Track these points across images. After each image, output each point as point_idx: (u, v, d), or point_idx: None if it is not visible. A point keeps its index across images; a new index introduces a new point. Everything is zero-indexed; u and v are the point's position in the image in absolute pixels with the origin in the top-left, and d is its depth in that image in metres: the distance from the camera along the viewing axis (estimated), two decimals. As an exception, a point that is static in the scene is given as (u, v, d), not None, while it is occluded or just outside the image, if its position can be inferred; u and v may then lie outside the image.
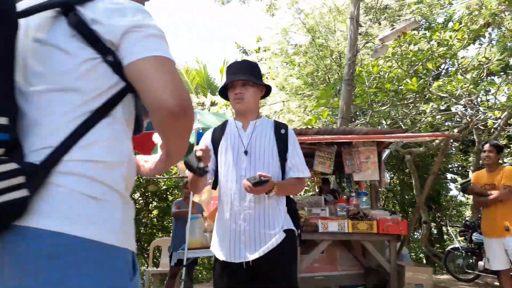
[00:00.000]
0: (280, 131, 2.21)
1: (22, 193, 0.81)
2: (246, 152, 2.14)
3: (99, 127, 0.92)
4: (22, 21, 0.94)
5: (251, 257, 2.03)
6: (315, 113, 9.37)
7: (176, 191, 9.61)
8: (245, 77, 2.16)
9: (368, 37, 9.77)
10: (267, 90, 2.32)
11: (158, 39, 0.96)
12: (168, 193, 9.95)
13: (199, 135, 4.58)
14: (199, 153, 1.78)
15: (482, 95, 8.24)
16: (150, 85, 0.91)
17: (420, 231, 11.84)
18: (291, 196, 2.33)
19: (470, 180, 4.70)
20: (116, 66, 0.95)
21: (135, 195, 9.94)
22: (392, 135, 4.93)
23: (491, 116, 7.89)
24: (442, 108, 9.25)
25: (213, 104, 11.40)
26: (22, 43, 0.95)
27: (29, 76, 0.93)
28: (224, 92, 2.31)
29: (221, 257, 2.12)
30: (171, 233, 6.19)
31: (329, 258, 5.11)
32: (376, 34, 10.67)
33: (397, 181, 13.61)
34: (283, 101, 10.73)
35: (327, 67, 11.17)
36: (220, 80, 13.74)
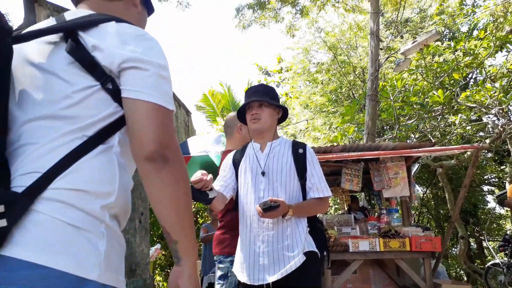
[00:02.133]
0: (298, 151, 2.21)
1: (1, 223, 0.78)
2: (263, 173, 2.16)
3: (90, 156, 0.90)
4: (22, 47, 0.94)
5: (271, 279, 2.02)
6: (341, 129, 9.32)
7: (206, 213, 9.68)
8: (260, 98, 2.22)
9: (390, 51, 9.72)
10: (284, 114, 2.36)
11: (159, 80, 0.94)
12: (198, 215, 10.04)
13: (226, 157, 4.65)
14: (193, 179, 1.83)
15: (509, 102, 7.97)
16: (137, 130, 0.90)
17: (458, 246, 11.37)
18: (318, 216, 2.31)
19: (506, 192, 4.52)
20: (116, 94, 0.94)
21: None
22: (420, 149, 4.84)
23: (525, 124, 7.61)
24: (472, 118, 9.02)
25: (239, 126, 11.52)
26: (21, 68, 0.95)
27: (25, 102, 0.92)
28: (242, 116, 2.36)
29: (242, 278, 2.13)
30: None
31: (362, 277, 4.99)
32: (398, 48, 10.62)
33: (431, 196, 13.20)
34: (307, 120, 10.73)
35: (351, 83, 11.16)
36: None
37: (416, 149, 4.84)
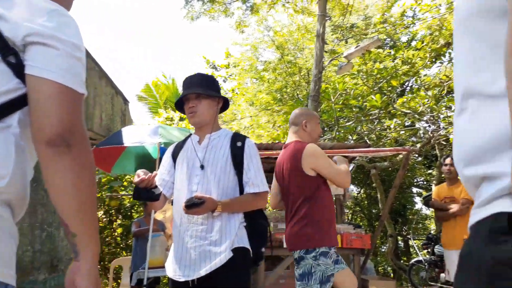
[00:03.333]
0: (236, 144, 2.13)
1: None
2: (202, 167, 2.08)
3: None
4: None
5: (195, 275, 1.96)
6: (284, 128, 9.45)
7: (141, 208, 9.38)
8: (198, 90, 2.12)
9: (335, 54, 10.02)
10: (225, 103, 2.28)
11: (71, 60, 0.87)
12: (133, 210, 9.69)
13: (162, 150, 4.51)
14: (136, 180, 1.86)
15: (443, 111, 8.56)
16: (38, 110, 0.83)
17: (386, 244, 12.02)
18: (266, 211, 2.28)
19: (431, 194, 4.81)
20: (20, 69, 0.86)
21: (99, 212, 9.61)
22: (356, 149, 5.02)
23: (452, 132, 8.21)
24: (407, 124, 9.56)
25: (182, 119, 11.30)
26: None
27: None
28: (181, 108, 2.26)
29: (170, 274, 2.07)
30: (133, 252, 6.01)
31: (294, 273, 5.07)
32: (342, 52, 10.98)
33: (364, 195, 13.84)
34: (251, 116, 10.77)
35: (296, 83, 11.35)
36: (190, 95, 13.72)
37: (352, 149, 5.01)
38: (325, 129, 9.25)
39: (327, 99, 7.82)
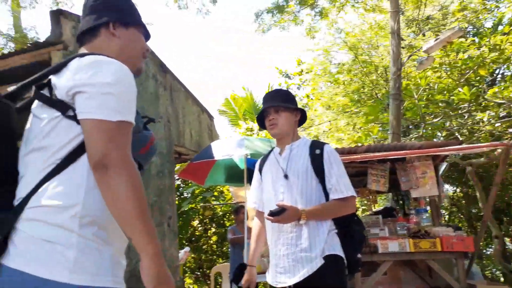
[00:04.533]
0: (315, 151, 2.17)
1: None
2: (286, 176, 2.16)
3: (60, 176, 1.04)
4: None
5: (290, 282, 2.03)
6: (365, 130, 9.21)
7: (232, 216, 9.76)
8: (276, 103, 2.24)
9: (412, 49, 9.56)
10: (303, 115, 2.36)
11: (100, 96, 1.04)
12: (225, 218, 10.12)
13: (249, 161, 4.70)
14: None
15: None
16: (87, 145, 1.03)
17: (492, 246, 11.02)
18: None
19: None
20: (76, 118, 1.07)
21: (194, 222, 10.21)
22: (447, 147, 4.74)
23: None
24: (502, 115, 8.76)
25: (261, 129, 11.58)
26: (30, 117, 1.17)
27: (25, 143, 1.13)
28: (262, 123, 2.39)
29: (269, 280, 2.18)
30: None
31: (393, 279, 4.91)
32: (421, 46, 10.43)
33: (461, 194, 12.84)
34: (330, 121, 10.66)
35: (373, 82, 11.02)
36: (266, 105, 14.01)
37: (443, 148, 4.75)
38: (410, 127, 8.83)
39: (410, 96, 7.47)
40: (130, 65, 1.21)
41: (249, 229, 5.26)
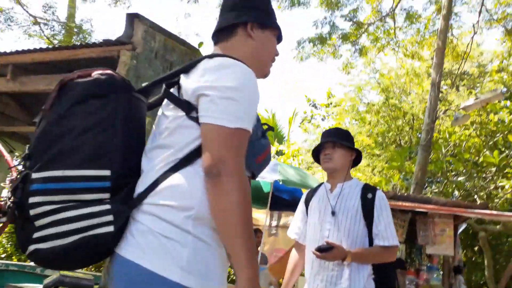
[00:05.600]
0: (367, 195, 2.20)
1: (109, 228, 1.01)
2: (333, 213, 2.18)
3: (177, 175, 1.04)
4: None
5: None
6: (383, 174, 9.19)
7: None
8: (334, 138, 2.29)
9: (445, 102, 9.60)
10: (358, 157, 2.39)
11: (222, 101, 1.02)
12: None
13: (277, 185, 4.71)
14: None
15: None
16: (203, 148, 1.03)
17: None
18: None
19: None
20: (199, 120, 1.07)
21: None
22: (475, 210, 4.72)
23: None
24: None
25: (278, 153, 11.60)
26: (158, 112, 1.19)
27: (152, 138, 1.15)
28: (317, 157, 2.42)
29: None
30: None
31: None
32: (453, 100, 10.45)
33: (465, 259, 12.57)
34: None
35: (399, 128, 11.03)
36: (287, 129, 14.08)
37: (471, 210, 4.72)
38: (429, 179, 8.79)
39: (438, 150, 7.46)
40: (259, 69, 1.21)
41: (262, 256, 5.27)
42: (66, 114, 1.05)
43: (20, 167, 1.07)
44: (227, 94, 1.02)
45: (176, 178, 1.04)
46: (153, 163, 1.08)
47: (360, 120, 11.63)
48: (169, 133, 1.08)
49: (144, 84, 1.19)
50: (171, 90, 1.14)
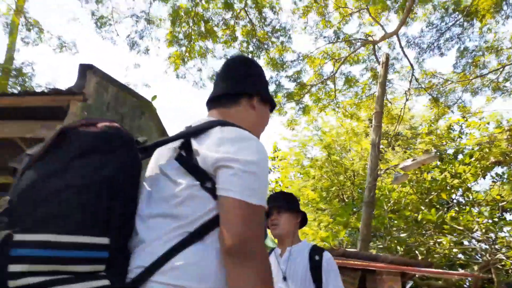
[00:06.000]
0: (314, 257, 2.19)
1: None
2: (284, 278, 2.15)
3: (188, 251, 0.93)
4: (158, 150, 1.09)
5: None
6: (329, 229, 9.29)
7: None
8: (278, 203, 2.30)
9: (384, 161, 10.16)
10: (304, 218, 2.41)
11: (243, 175, 0.95)
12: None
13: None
14: None
15: (500, 234, 8.23)
16: (221, 224, 0.94)
17: None
18: None
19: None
20: (215, 192, 0.98)
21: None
22: (422, 269, 4.84)
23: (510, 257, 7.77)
24: (455, 239, 9.19)
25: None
26: (154, 169, 1.08)
27: (149, 201, 1.02)
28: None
29: None
30: None
31: None
32: (391, 159, 11.14)
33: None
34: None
35: (341, 183, 11.41)
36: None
37: (418, 268, 4.84)
38: (373, 234, 9.00)
39: (380, 206, 7.75)
40: None
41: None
42: (64, 168, 0.90)
43: None
44: (249, 168, 0.96)
45: (189, 255, 0.93)
46: (156, 233, 0.96)
47: (305, 174, 11.90)
48: (178, 202, 0.97)
49: (141, 139, 1.08)
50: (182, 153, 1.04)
